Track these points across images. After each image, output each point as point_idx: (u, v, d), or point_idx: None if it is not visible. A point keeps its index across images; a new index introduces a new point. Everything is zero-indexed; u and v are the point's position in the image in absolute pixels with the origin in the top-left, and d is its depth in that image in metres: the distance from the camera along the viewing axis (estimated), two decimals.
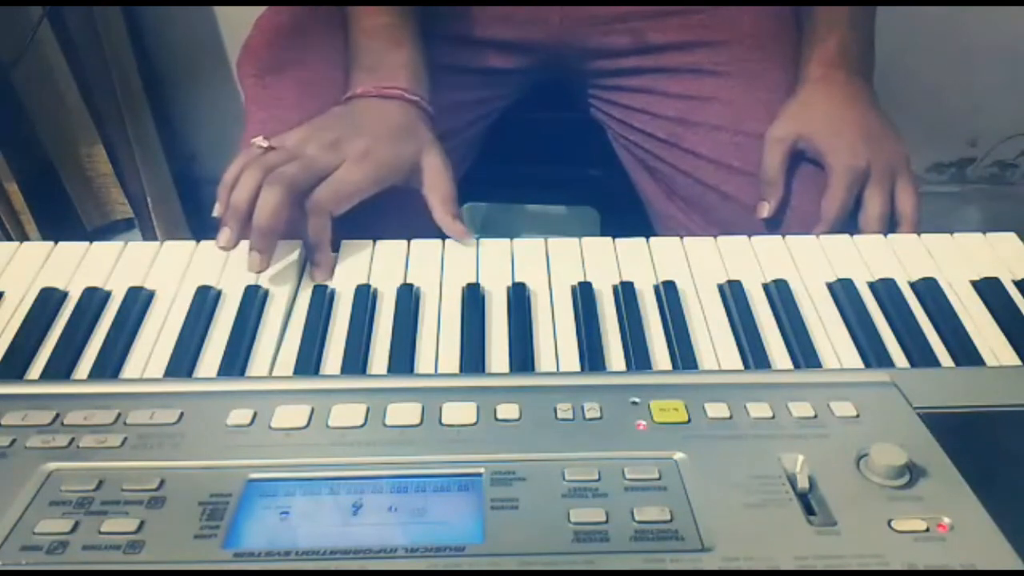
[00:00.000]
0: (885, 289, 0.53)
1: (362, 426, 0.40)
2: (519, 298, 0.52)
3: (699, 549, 0.34)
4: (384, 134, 0.60)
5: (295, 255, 0.57)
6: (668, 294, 0.52)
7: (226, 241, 0.55)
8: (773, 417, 0.40)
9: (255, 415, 0.40)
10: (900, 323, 0.51)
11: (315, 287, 0.53)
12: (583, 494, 0.36)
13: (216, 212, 0.57)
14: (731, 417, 0.40)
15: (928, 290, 0.53)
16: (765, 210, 0.67)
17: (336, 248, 0.57)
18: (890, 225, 0.63)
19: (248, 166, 0.56)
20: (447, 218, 0.60)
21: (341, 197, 0.57)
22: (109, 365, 0.47)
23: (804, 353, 0.49)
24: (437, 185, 0.62)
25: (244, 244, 0.55)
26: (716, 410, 0.40)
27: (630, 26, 0.75)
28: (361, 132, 0.60)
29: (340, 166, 0.58)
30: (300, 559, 0.33)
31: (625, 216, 0.86)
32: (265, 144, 0.58)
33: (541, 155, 0.92)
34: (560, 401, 0.41)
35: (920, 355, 0.49)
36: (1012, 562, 0.33)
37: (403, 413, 0.40)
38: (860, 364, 0.48)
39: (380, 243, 0.58)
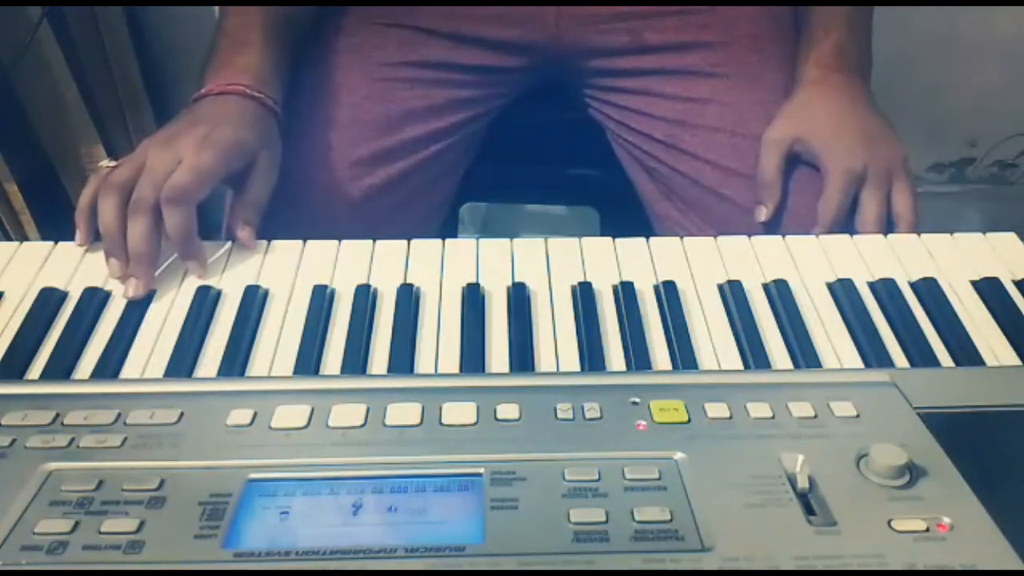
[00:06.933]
0: (885, 289, 0.53)
1: (362, 426, 0.40)
2: (519, 298, 0.52)
3: (699, 549, 0.34)
4: (222, 120, 0.59)
5: (295, 254, 0.57)
6: (668, 294, 0.52)
7: (118, 272, 0.54)
8: (773, 417, 0.40)
9: (255, 415, 0.40)
10: (900, 323, 0.51)
11: (315, 287, 0.53)
12: (583, 494, 0.36)
13: (78, 241, 0.56)
14: (731, 417, 0.40)
15: (928, 290, 0.53)
16: (763, 214, 0.66)
17: (337, 248, 0.57)
18: (888, 227, 0.63)
19: (102, 191, 0.55)
20: (238, 220, 0.58)
21: (196, 181, 0.55)
22: (109, 365, 0.47)
23: (804, 353, 0.49)
24: (254, 185, 0.60)
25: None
26: (716, 410, 0.40)
27: (628, 25, 0.75)
28: (198, 123, 0.58)
29: (181, 160, 0.56)
30: (300, 559, 0.33)
31: (625, 216, 0.86)
32: (113, 164, 0.58)
33: (541, 155, 0.92)
34: (560, 401, 0.41)
35: (920, 355, 0.49)
36: (1012, 562, 0.33)
37: (403, 413, 0.40)
38: (860, 364, 0.48)
39: (380, 243, 0.58)
